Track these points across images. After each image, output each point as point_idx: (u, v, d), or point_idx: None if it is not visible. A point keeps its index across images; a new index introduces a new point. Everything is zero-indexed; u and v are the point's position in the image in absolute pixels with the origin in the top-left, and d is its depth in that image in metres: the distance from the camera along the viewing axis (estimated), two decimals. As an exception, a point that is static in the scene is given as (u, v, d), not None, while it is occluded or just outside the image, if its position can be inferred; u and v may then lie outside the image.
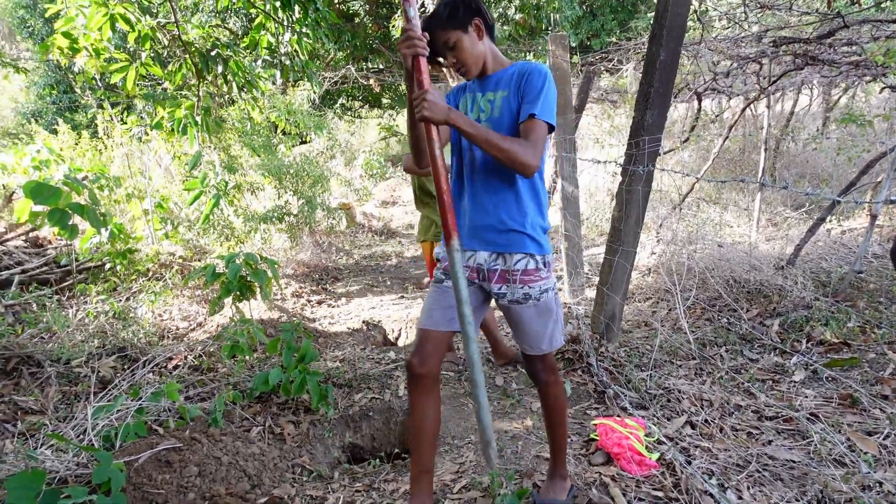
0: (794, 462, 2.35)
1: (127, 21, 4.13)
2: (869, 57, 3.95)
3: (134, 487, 2.16)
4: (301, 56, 4.52)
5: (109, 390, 3.16)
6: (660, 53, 2.80)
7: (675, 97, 5.84)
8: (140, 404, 2.81)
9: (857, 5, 2.89)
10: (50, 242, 5.79)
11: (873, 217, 3.85)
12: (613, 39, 6.59)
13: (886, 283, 3.96)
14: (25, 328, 4.03)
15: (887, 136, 6.24)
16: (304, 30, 4.07)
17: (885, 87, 3.99)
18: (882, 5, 3.81)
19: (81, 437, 2.64)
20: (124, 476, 2.05)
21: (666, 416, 2.82)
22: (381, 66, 14.66)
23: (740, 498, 2.17)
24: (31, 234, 5.72)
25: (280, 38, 4.54)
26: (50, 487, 1.86)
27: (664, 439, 2.57)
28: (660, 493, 2.27)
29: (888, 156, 3.92)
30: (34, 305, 4.42)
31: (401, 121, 19.79)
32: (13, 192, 6.46)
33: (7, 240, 5.32)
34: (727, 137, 5.34)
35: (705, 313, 4.02)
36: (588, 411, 2.99)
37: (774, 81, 4.71)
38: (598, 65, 6.57)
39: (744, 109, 5.25)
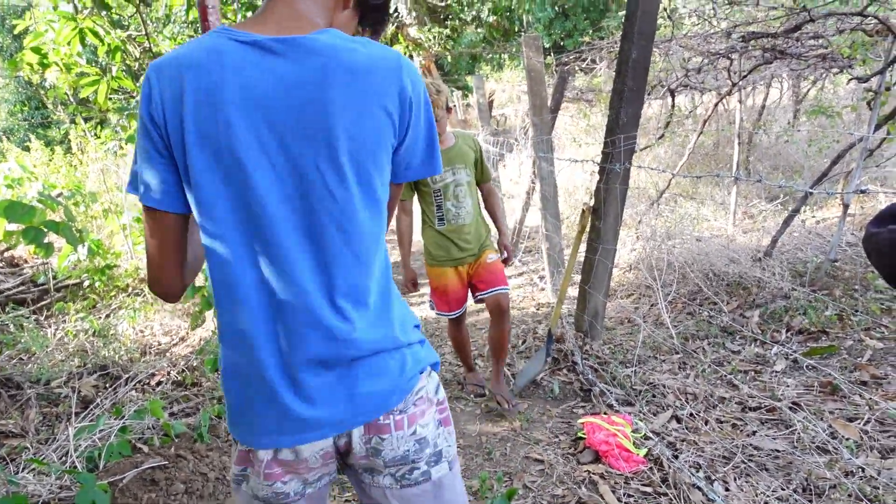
0: (778, 451, 2.39)
1: (96, 35, 4.07)
2: (835, 49, 4.03)
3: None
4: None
5: (91, 410, 3.11)
6: (632, 52, 2.84)
7: (649, 94, 5.90)
8: (123, 423, 2.77)
9: (821, -1, 2.97)
10: (26, 261, 5.69)
11: (845, 206, 3.92)
12: (586, 39, 6.64)
13: (861, 271, 4.04)
14: (3, 349, 3.96)
15: (856, 127, 6.36)
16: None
17: (851, 79, 4.07)
18: (847, -2, 3.89)
19: (64, 458, 2.59)
20: (109, 497, 2.02)
21: (652, 412, 2.85)
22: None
23: (727, 489, 2.19)
24: (6, 254, 5.62)
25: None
26: (33, 512, 1.82)
27: (651, 434, 2.59)
28: (648, 489, 2.29)
29: (857, 146, 4.00)
30: (11, 326, 4.34)
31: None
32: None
33: (-20, 260, 5.22)
34: (701, 132, 5.41)
35: (686, 307, 4.07)
36: (575, 410, 3.00)
37: (745, 76, 4.79)
38: (573, 65, 6.62)
39: (716, 104, 5.32)
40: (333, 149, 0.91)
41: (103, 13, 4.10)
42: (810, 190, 2.14)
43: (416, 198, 3.05)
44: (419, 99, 0.99)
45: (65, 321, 4.55)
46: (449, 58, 12.21)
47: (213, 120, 0.90)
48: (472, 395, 3.29)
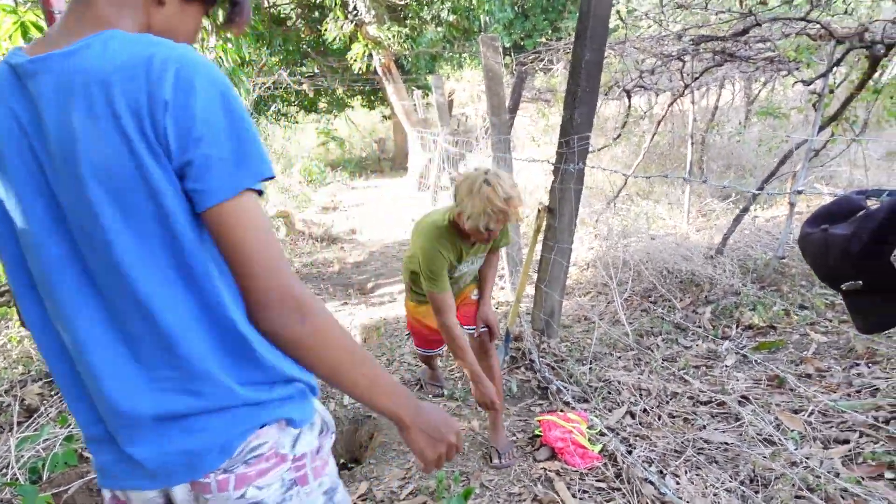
0: (727, 444, 2.45)
1: (39, 28, 3.92)
2: (782, 53, 4.15)
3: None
4: (227, 63, 4.40)
5: (36, 419, 3.00)
6: (585, 53, 2.87)
7: (606, 95, 5.99)
8: (69, 432, 2.67)
9: (764, 4, 3.05)
10: (-34, 265, 5.45)
11: (792, 205, 4.06)
12: (544, 40, 6.70)
13: (807, 268, 4.18)
14: (-60, 358, 3.78)
15: (803, 128, 6.58)
16: (228, 35, 3.97)
17: (796, 82, 4.21)
18: (794, 2, 4.01)
19: (5, 470, 2.49)
20: (52, 510, 1.95)
21: (607, 408, 2.89)
22: (315, 71, 14.49)
23: (678, 483, 2.24)
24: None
25: (205, 43, 4.41)
26: (-32, 528, 1.74)
27: (606, 431, 2.63)
28: (602, 484, 2.32)
29: (803, 146, 4.14)
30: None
31: (339, 124, 19.60)
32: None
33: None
34: (655, 133, 5.52)
35: (641, 304, 4.14)
36: (532, 408, 3.03)
37: (696, 78, 4.90)
38: (531, 65, 6.67)
39: (670, 105, 5.44)
40: (82, 184, 0.77)
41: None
42: (756, 191, 2.20)
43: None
44: (190, 100, 0.77)
45: (7, 327, 4.38)
46: (408, 57, 12.17)
47: None
48: (430, 396, 3.27)
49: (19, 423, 2.98)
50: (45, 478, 2.35)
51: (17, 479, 2.38)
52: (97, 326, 0.84)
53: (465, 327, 2.65)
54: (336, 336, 0.88)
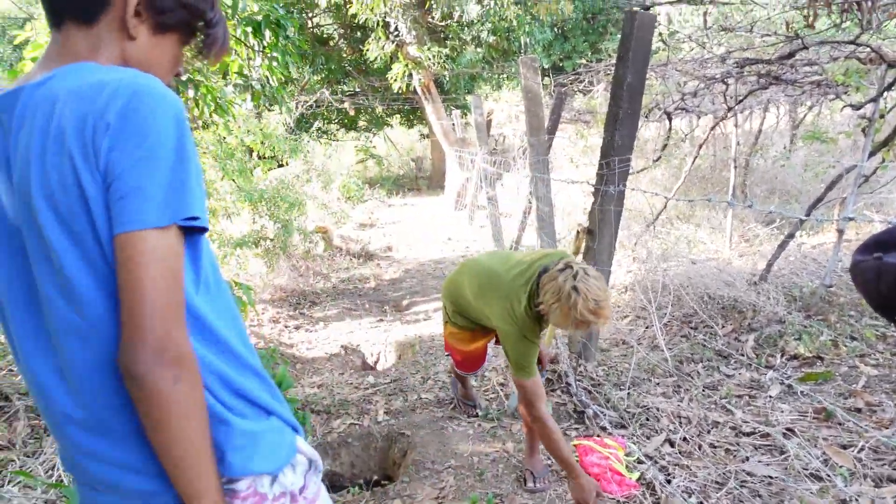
0: (771, 478, 2.37)
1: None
2: (829, 76, 4.07)
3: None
4: (272, 82, 4.51)
5: (79, 424, 3.08)
6: (626, 75, 2.86)
7: (647, 117, 5.94)
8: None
9: (811, 28, 3.00)
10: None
11: (840, 232, 3.94)
12: (583, 61, 6.71)
13: (856, 297, 4.04)
14: (-8, 361, 3.92)
15: (852, 152, 6.41)
16: (274, 54, 4.07)
17: (845, 106, 4.11)
18: (842, 26, 3.93)
19: (50, 472, 2.56)
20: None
21: (645, 435, 2.82)
22: (356, 90, 14.75)
23: (719, 516, 2.17)
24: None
25: (251, 63, 4.54)
26: (15, 528, 1.79)
27: (644, 458, 2.57)
28: (640, 514, 2.27)
29: (852, 172, 4.03)
30: (2, 337, 4.31)
31: (377, 142, 19.86)
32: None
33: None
34: (697, 156, 5.44)
35: (681, 330, 4.06)
36: (568, 432, 2.98)
37: (741, 101, 4.82)
38: (570, 86, 6.67)
39: (712, 128, 5.36)
40: (34, 208, 0.78)
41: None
42: (803, 217, 2.14)
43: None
44: (129, 124, 0.76)
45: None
46: (448, 77, 12.30)
47: None
48: (464, 416, 3.25)
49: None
50: (87, 483, 2.41)
51: (62, 480, 2.45)
52: (38, 345, 0.85)
53: None
54: (202, 415, 0.81)
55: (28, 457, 2.86)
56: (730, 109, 4.80)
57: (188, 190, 0.80)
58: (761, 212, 6.60)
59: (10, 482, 2.50)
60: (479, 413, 3.22)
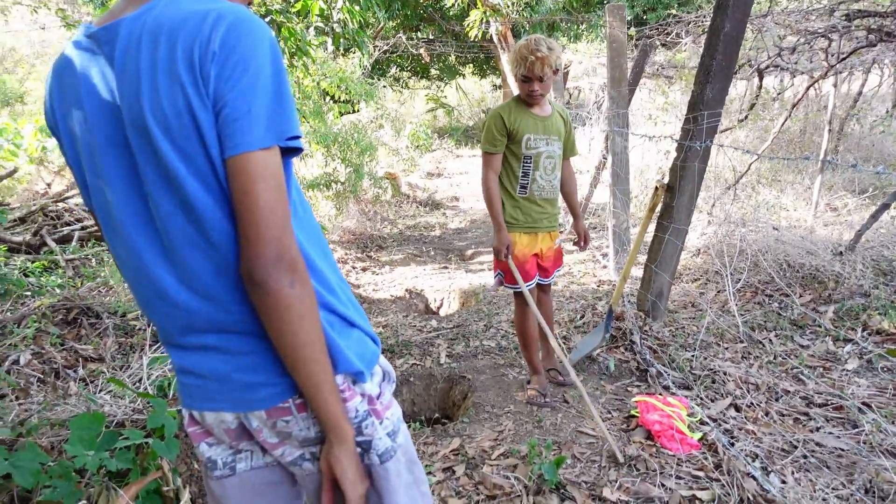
0: (842, 450, 2.30)
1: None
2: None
3: (186, 435, 2.26)
4: (352, 24, 4.51)
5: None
6: (724, 24, 2.70)
7: (736, 73, 5.62)
8: (192, 357, 2.91)
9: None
10: (109, 201, 5.99)
11: (943, 204, 3.66)
12: (672, 11, 6.35)
13: (952, 274, 3.78)
14: (84, 282, 4.21)
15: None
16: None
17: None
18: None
19: (137, 385, 2.77)
20: (177, 423, 2.14)
21: (710, 398, 2.78)
22: (431, 36, 14.54)
23: (784, 482, 2.13)
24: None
25: (332, 4, 4.53)
26: (109, 429, 1.95)
27: (707, 420, 2.54)
28: (700, 473, 2.25)
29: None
30: (93, 261, 4.61)
31: (449, 92, 19.64)
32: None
33: (68, 197, 5.54)
34: (789, 117, 5.13)
35: (755, 297, 3.92)
36: (629, 388, 2.97)
37: (843, 59, 4.49)
38: (655, 38, 6.36)
39: (808, 87, 5.03)
40: (150, 135, 0.83)
41: None
42: (910, 178, 2.00)
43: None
44: (234, 54, 0.81)
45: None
46: (526, 25, 11.94)
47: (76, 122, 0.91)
48: (527, 404, 2.89)
49: (150, 346, 3.29)
50: (170, 396, 2.59)
51: (148, 391, 2.64)
52: (157, 256, 0.91)
53: (547, 279, 2.96)
54: (315, 314, 0.88)
55: (117, 370, 3.09)
56: (830, 68, 4.47)
57: (289, 112, 0.85)
58: (852, 180, 6.20)
59: (101, 391, 2.72)
60: (545, 403, 2.86)
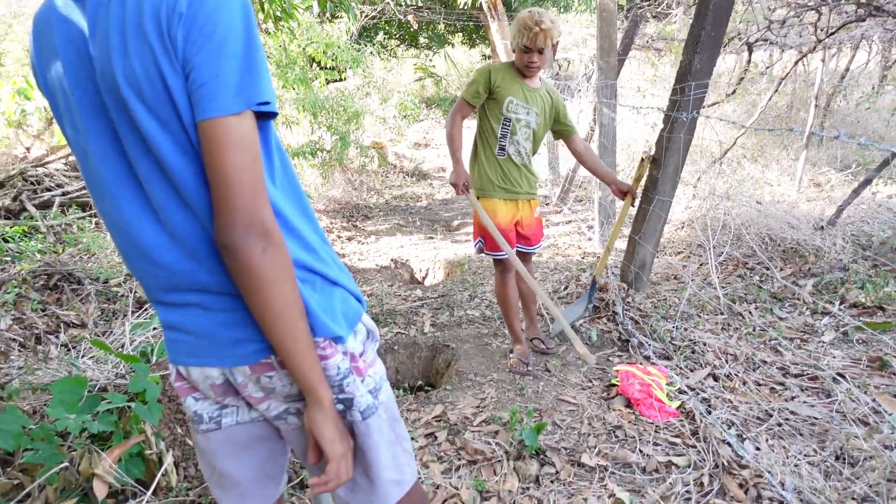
0: (815, 418, 2.36)
1: None
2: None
3: (168, 399, 2.26)
4: (340, -14, 4.41)
5: (146, 309, 3.27)
6: (714, -6, 2.68)
7: (725, 47, 5.59)
8: (175, 323, 2.90)
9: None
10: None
11: (924, 180, 3.70)
12: (664, -19, 6.27)
13: (930, 250, 3.84)
14: (66, 248, 4.16)
15: (947, 98, 5.93)
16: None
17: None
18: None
19: (120, 350, 2.75)
20: (160, 388, 2.14)
21: (689, 368, 2.83)
22: (419, 3, 14.29)
23: (758, 449, 2.18)
24: (70, 157, 5.83)
25: (319, -34, 4.43)
26: (91, 393, 1.95)
27: (686, 389, 2.59)
28: (677, 440, 2.30)
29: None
30: (74, 227, 4.55)
31: (437, 61, 19.37)
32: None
33: (48, 162, 5.44)
34: (776, 91, 5.13)
35: (737, 270, 3.97)
36: (611, 358, 3.01)
37: (832, 33, 4.48)
38: (645, 9, 6.30)
39: (797, 61, 5.02)
40: (122, 97, 0.81)
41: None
42: (894, 149, 2.01)
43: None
44: (200, 14, 0.78)
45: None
46: (517, -6, 11.76)
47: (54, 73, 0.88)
48: (509, 372, 2.91)
49: (132, 312, 3.27)
50: (153, 361, 2.58)
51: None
52: (142, 216, 0.90)
53: (528, 248, 2.96)
54: (290, 280, 0.87)
55: (99, 335, 3.08)
56: (819, 42, 4.47)
57: (259, 76, 0.83)
58: (835, 156, 6.25)
59: (84, 356, 2.71)
60: (528, 373, 2.88)
